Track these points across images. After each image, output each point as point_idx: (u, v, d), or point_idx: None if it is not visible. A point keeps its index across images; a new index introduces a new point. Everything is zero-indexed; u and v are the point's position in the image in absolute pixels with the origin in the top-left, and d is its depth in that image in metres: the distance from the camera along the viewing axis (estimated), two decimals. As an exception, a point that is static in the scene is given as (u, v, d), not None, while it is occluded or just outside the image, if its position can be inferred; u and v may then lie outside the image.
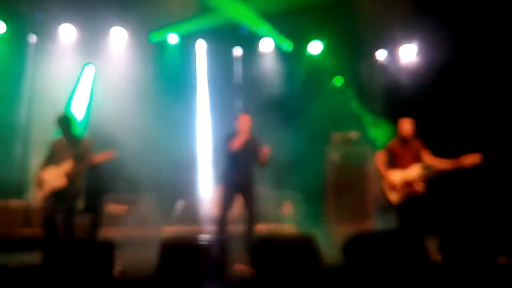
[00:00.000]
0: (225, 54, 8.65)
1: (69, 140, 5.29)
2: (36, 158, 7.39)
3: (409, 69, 8.00)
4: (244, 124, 5.31)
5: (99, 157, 5.21)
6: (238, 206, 6.82)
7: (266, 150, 5.24)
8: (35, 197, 5.35)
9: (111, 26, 7.90)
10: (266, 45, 8.63)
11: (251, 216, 5.38)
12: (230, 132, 5.47)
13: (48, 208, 5.12)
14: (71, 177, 5.15)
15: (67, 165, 5.13)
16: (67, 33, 7.84)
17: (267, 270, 4.17)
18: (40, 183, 5.14)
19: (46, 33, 7.73)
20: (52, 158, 5.26)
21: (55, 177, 5.11)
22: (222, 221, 5.35)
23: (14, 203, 6.57)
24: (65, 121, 5.30)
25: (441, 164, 5.26)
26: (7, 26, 7.54)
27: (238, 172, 5.33)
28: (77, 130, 5.47)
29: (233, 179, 5.36)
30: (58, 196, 5.15)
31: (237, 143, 5.23)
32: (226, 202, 5.38)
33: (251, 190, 5.42)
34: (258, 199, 5.57)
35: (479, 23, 6.69)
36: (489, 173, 6.23)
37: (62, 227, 5.14)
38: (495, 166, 6.23)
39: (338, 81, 8.77)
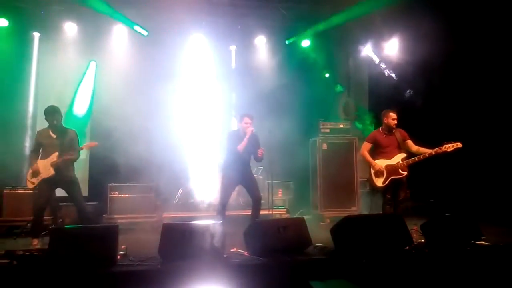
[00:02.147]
0: (221, 48, 8.82)
1: (56, 131, 5.51)
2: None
3: (393, 63, 8.24)
4: (247, 126, 5.69)
5: (85, 145, 5.57)
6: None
7: (261, 151, 5.75)
8: (28, 186, 5.55)
9: (112, 23, 8.07)
10: (260, 39, 8.86)
11: (257, 200, 5.81)
12: (233, 131, 5.98)
13: (43, 196, 5.42)
14: (58, 167, 5.39)
15: (53, 156, 5.39)
16: (69, 29, 7.98)
17: (261, 251, 4.47)
18: (36, 173, 5.40)
19: (49, 29, 7.85)
20: (38, 148, 5.50)
21: (44, 167, 5.38)
22: (222, 208, 5.77)
23: (22, 191, 6.75)
24: (53, 112, 5.49)
25: (424, 151, 5.58)
26: (10, 21, 7.65)
27: (238, 167, 5.73)
28: (64, 121, 5.66)
29: (234, 173, 5.75)
30: (51, 185, 5.46)
31: (242, 147, 5.65)
32: (226, 192, 5.80)
33: (250, 178, 5.89)
34: (265, 186, 6.05)
35: (459, 20, 6.97)
36: (469, 161, 6.51)
37: (77, 213, 5.62)
38: (475, 154, 6.53)
39: (339, 88, 9.10)
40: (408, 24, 7.39)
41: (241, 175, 5.76)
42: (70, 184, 5.50)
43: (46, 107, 5.56)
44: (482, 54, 6.86)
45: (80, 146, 5.52)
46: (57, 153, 5.37)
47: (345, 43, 8.86)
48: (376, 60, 8.61)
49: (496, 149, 6.87)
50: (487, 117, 7.00)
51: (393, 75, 8.30)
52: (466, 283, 3.84)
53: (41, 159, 5.42)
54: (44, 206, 5.50)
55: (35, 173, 5.35)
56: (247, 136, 5.64)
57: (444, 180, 7.25)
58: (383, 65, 8.50)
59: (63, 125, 5.57)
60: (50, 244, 4.24)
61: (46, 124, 5.52)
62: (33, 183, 5.37)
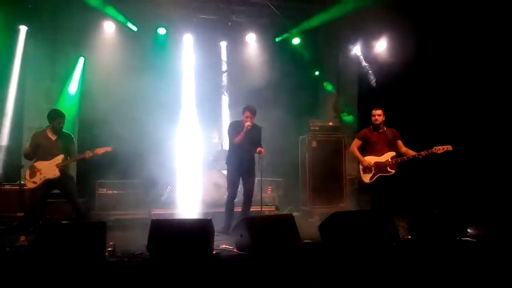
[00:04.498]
0: (211, 44, 8.79)
1: (56, 133, 5.54)
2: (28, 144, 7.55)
3: (382, 62, 8.29)
4: (246, 120, 5.77)
5: (98, 150, 5.53)
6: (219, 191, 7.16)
7: (262, 153, 5.83)
8: (29, 186, 5.51)
9: (102, 18, 7.97)
10: (251, 37, 8.88)
11: (248, 193, 5.91)
12: (235, 122, 6.01)
13: (37, 198, 5.44)
14: (62, 168, 5.48)
15: (58, 158, 5.44)
16: (58, 24, 7.80)
17: (250, 248, 4.49)
18: (34, 174, 5.39)
19: (37, 23, 7.70)
20: (35, 150, 5.48)
21: (48, 168, 5.39)
22: (230, 201, 5.86)
23: (8, 187, 6.67)
24: (58, 115, 5.54)
25: (412, 153, 5.64)
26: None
27: (241, 158, 5.81)
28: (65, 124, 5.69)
29: (237, 165, 5.83)
30: (51, 186, 5.50)
31: (238, 139, 5.75)
32: (232, 184, 5.89)
33: (249, 171, 5.93)
34: (256, 183, 6.05)
35: (442, 23, 7.07)
36: (456, 159, 6.59)
37: (72, 209, 5.63)
38: (462, 153, 6.61)
39: (329, 87, 9.14)
40: (397, 24, 7.44)
41: (241, 166, 5.80)
42: (68, 182, 5.56)
43: (51, 109, 5.67)
44: (475, 55, 6.93)
45: (93, 150, 5.52)
46: (62, 156, 5.45)
47: (335, 42, 8.89)
48: (363, 62, 8.67)
49: (482, 148, 6.95)
50: (476, 117, 7.07)
51: (373, 80, 8.39)
52: (451, 279, 3.89)
53: (40, 160, 5.42)
54: (39, 205, 5.53)
55: (37, 173, 5.35)
56: (244, 130, 5.69)
57: (432, 176, 7.32)
58: (367, 67, 8.57)
59: (63, 127, 5.62)
60: (37, 240, 4.20)
61: (34, 120, 5.48)
62: (35, 182, 5.37)
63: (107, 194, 7.01)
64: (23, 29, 7.77)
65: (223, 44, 9.00)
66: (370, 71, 8.56)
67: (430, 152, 5.52)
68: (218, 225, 5.07)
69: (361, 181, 5.95)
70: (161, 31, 8.36)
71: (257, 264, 4.28)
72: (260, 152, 5.83)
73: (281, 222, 4.92)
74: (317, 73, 9.44)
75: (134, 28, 8.06)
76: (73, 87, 8.03)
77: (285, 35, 8.83)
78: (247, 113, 5.77)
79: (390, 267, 4.20)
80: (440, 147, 5.48)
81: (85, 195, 6.80)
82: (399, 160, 5.71)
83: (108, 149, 5.58)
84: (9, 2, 7.37)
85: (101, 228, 4.37)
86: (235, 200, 6.00)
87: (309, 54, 8.84)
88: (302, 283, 3.89)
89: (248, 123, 5.69)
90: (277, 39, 8.91)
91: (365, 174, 5.86)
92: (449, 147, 5.48)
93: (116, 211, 6.90)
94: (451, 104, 7.25)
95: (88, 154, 5.49)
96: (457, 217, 5.23)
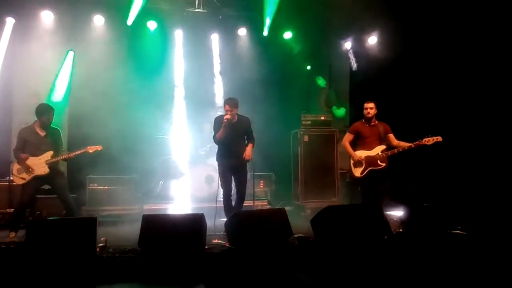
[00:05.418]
0: (202, 38, 8.73)
1: (46, 128, 5.48)
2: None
3: (372, 56, 8.30)
4: (226, 111, 5.49)
5: (89, 148, 5.50)
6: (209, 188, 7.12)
7: (247, 156, 5.61)
8: (17, 182, 5.46)
9: (90, 12, 7.82)
10: (242, 31, 8.82)
11: (240, 196, 5.73)
12: (218, 116, 5.77)
13: (30, 193, 5.39)
14: (52, 165, 5.43)
15: (47, 155, 5.40)
16: (46, 18, 7.69)
17: (242, 242, 4.49)
18: (26, 170, 5.33)
19: (25, 16, 7.54)
20: (23, 145, 5.40)
21: (37, 165, 5.35)
22: (226, 199, 5.68)
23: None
24: (49, 110, 5.45)
25: (404, 145, 5.66)
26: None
27: (230, 154, 5.60)
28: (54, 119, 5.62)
29: (226, 161, 5.63)
30: (40, 182, 5.46)
31: (219, 136, 5.54)
32: (224, 181, 5.65)
33: (243, 171, 5.74)
34: (248, 181, 5.88)
35: (432, 17, 7.10)
36: (446, 151, 6.64)
37: (62, 204, 5.59)
38: (453, 145, 6.66)
39: (321, 82, 9.11)
40: (388, 18, 7.45)
41: (231, 161, 5.59)
42: (58, 177, 5.51)
43: (39, 104, 5.53)
44: (465, 48, 6.96)
45: (84, 148, 5.48)
46: (52, 152, 5.40)
47: (326, 36, 8.86)
48: (353, 56, 8.67)
49: (474, 141, 7.00)
50: (467, 109, 7.11)
51: (361, 75, 8.39)
52: (443, 272, 3.93)
53: (29, 156, 5.34)
54: (29, 202, 5.50)
55: (27, 170, 5.30)
56: (223, 124, 5.43)
57: (422, 170, 7.37)
58: (357, 61, 8.58)
59: (52, 122, 5.55)
60: (27, 237, 4.17)
61: (22, 115, 5.38)
62: (23, 178, 5.32)
63: (98, 189, 6.94)
64: (9, 21, 7.61)
65: (215, 37, 8.92)
66: (360, 65, 8.57)
67: (420, 143, 5.54)
68: (210, 221, 5.04)
69: (352, 175, 5.99)
70: (152, 25, 8.28)
71: (250, 259, 4.28)
72: (244, 156, 5.59)
73: (273, 217, 4.92)
74: (308, 67, 9.42)
75: (129, 22, 7.93)
76: (62, 81, 7.90)
77: (277, 29, 8.74)
78: (226, 106, 5.49)
79: (382, 260, 4.23)
80: (430, 138, 5.50)
81: (76, 191, 6.75)
82: (390, 153, 5.73)
83: (99, 148, 5.54)
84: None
85: (92, 223, 4.34)
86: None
87: (301, 48, 8.79)
88: (295, 276, 3.91)
89: (227, 116, 5.41)
90: (265, 32, 8.84)
91: (356, 168, 5.89)
92: (439, 138, 5.50)
93: (107, 207, 6.84)
94: (441, 97, 7.29)
95: (78, 151, 5.47)
96: (448, 210, 5.28)
